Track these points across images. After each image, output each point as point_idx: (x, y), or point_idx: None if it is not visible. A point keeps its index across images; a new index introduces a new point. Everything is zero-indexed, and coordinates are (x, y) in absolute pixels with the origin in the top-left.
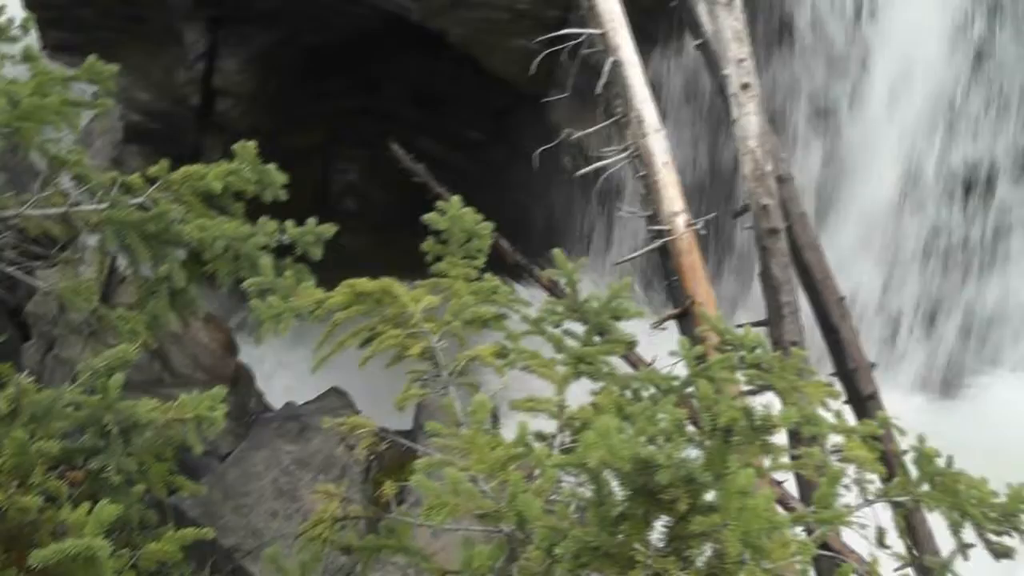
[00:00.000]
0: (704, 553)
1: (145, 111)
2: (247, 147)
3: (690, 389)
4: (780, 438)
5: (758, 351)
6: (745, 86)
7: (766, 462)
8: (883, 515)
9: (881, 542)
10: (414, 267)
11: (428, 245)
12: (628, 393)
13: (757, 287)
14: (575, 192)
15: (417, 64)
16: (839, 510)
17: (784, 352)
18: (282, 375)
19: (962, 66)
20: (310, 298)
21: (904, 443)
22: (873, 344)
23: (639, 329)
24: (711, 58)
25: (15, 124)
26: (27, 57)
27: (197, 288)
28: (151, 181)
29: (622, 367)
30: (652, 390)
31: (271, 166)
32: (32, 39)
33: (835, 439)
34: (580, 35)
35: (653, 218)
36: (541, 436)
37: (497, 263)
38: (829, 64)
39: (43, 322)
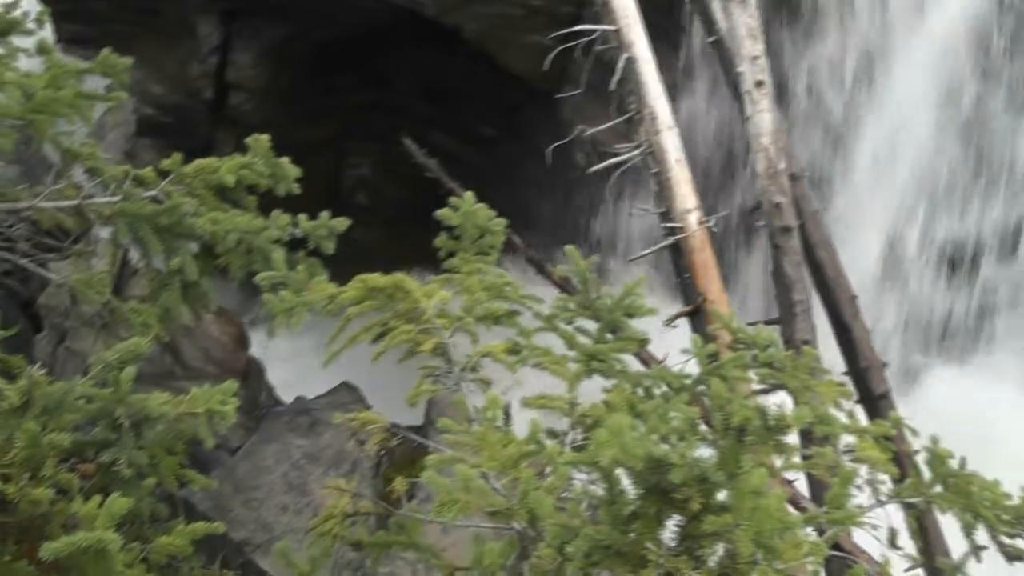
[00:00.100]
0: (716, 553)
1: (158, 104)
2: (260, 140)
3: (702, 387)
4: (792, 437)
5: (771, 350)
6: (759, 83)
7: (777, 461)
8: (894, 516)
9: (893, 543)
10: (426, 262)
11: (441, 241)
12: (640, 391)
13: None
14: (588, 188)
15: (430, 59)
16: (852, 511)
17: (796, 351)
18: (280, 367)
19: (950, 136)
20: (322, 293)
21: (916, 443)
22: None
23: (651, 326)
24: (725, 55)
25: (29, 117)
26: (41, 50)
27: (209, 281)
28: (164, 174)
29: (634, 364)
30: (664, 388)
31: (284, 159)
32: (47, 32)
33: (847, 439)
34: (594, 31)
35: (666, 215)
36: (553, 433)
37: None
38: (825, 132)
39: (55, 314)
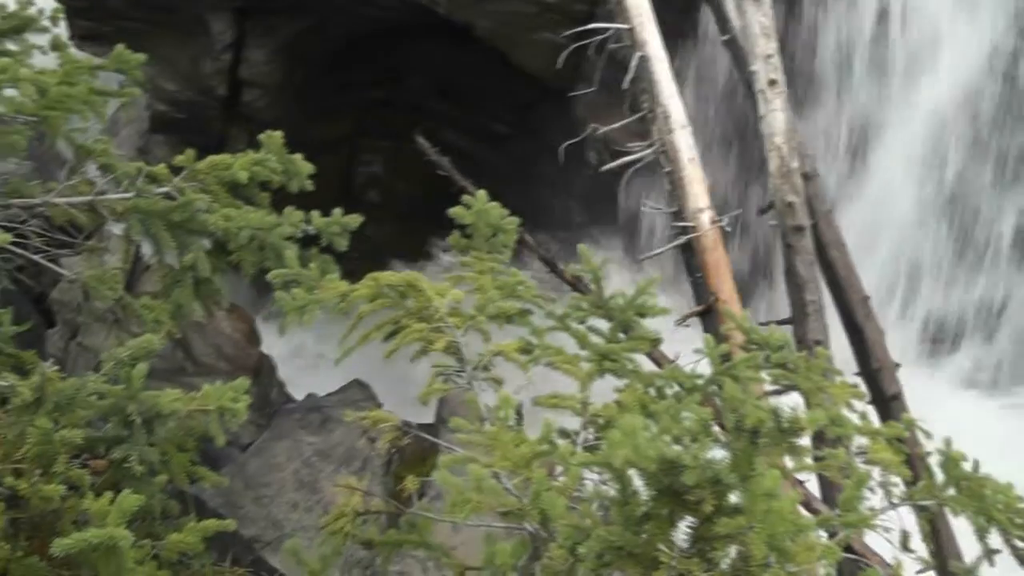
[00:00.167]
0: (729, 555)
1: (172, 101)
2: (273, 137)
3: (714, 388)
4: (804, 438)
5: (783, 350)
6: (772, 82)
7: (789, 462)
8: (906, 518)
9: (905, 546)
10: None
11: (454, 239)
12: (652, 391)
13: None
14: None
15: (443, 56)
16: (865, 514)
17: (808, 351)
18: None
19: (932, 210)
20: (335, 290)
21: (927, 446)
22: None
23: (662, 325)
24: (738, 54)
25: (43, 113)
26: (55, 47)
27: (221, 278)
28: (177, 170)
29: (645, 364)
30: (676, 388)
31: (297, 156)
32: (61, 29)
33: (860, 440)
34: (607, 30)
35: (678, 214)
36: (564, 433)
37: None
38: None
39: (67, 309)
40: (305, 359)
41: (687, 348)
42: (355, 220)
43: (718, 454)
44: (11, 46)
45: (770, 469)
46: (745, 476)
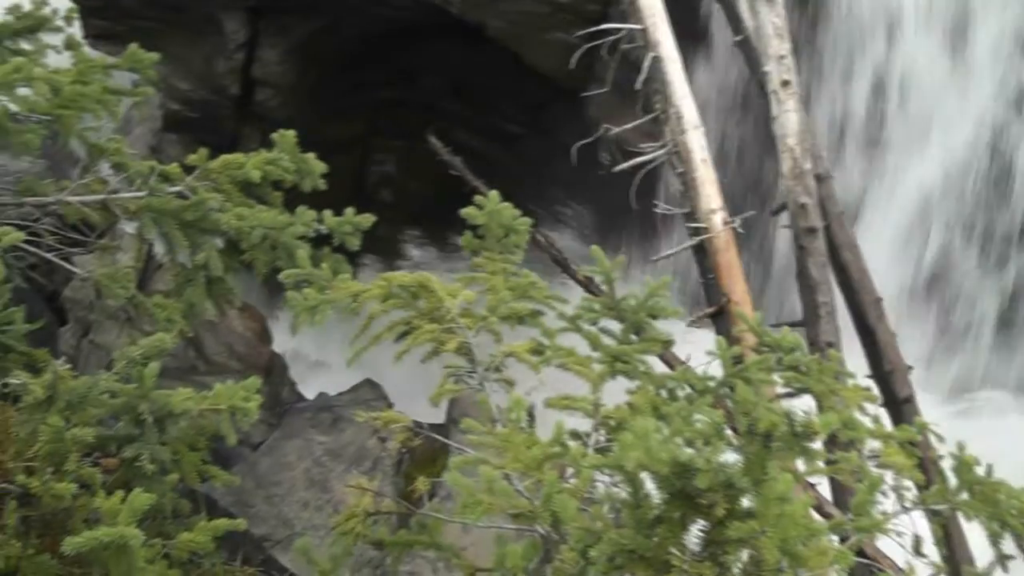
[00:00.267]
0: (741, 559)
1: (184, 100)
2: (286, 136)
3: (726, 390)
4: (817, 442)
5: (796, 353)
6: (785, 83)
7: (801, 465)
8: (919, 522)
9: (917, 550)
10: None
11: (466, 240)
12: (664, 393)
13: None
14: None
15: (456, 56)
16: (878, 518)
17: (821, 353)
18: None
19: (914, 294)
20: (346, 291)
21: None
22: None
23: (674, 327)
24: (751, 55)
25: (56, 112)
26: (69, 46)
27: (234, 277)
28: (189, 170)
29: (656, 365)
30: (688, 390)
31: (310, 155)
32: (75, 29)
33: (872, 444)
34: (620, 30)
35: (690, 215)
36: (575, 434)
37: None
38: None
39: (79, 307)
40: (305, 364)
41: (692, 348)
42: (367, 220)
43: (730, 457)
44: (25, 45)
45: (782, 473)
46: (758, 480)
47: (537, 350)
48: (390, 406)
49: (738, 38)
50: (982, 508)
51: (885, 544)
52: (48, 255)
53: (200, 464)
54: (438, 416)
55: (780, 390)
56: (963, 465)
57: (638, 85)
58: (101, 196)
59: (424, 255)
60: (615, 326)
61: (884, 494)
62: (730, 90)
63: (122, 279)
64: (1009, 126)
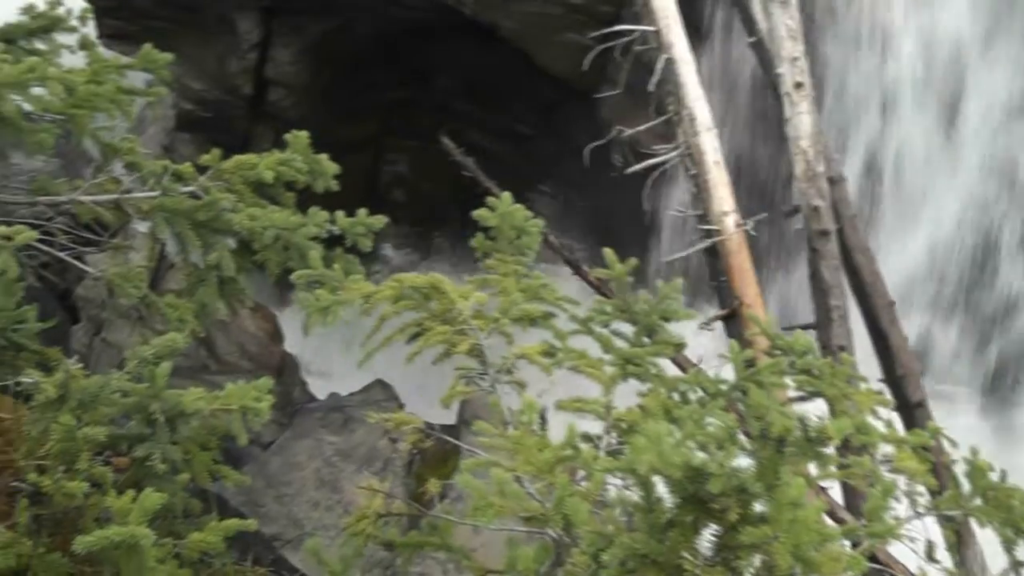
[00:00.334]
0: (753, 564)
1: (198, 100)
2: (299, 137)
3: (738, 394)
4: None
5: (808, 356)
6: (799, 85)
7: (813, 470)
8: (931, 528)
9: (930, 556)
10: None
11: (478, 241)
12: (676, 396)
13: None
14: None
15: (469, 57)
16: (891, 524)
17: (833, 357)
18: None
19: None
20: (358, 292)
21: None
22: None
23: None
24: (764, 56)
25: (70, 112)
26: (84, 46)
27: (246, 277)
28: (202, 169)
29: (667, 368)
30: (700, 393)
31: (323, 156)
32: (89, 28)
33: (885, 448)
34: (633, 32)
35: (703, 218)
36: (587, 437)
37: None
38: None
39: (92, 305)
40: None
41: (697, 348)
42: (379, 221)
43: (743, 462)
44: (40, 45)
45: (795, 478)
46: (771, 485)
47: (549, 352)
48: (401, 407)
49: (752, 39)
50: (996, 514)
51: (898, 550)
52: (61, 254)
53: (211, 464)
54: (447, 417)
55: (792, 394)
56: (976, 470)
57: (651, 87)
58: (114, 195)
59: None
60: (627, 328)
61: (897, 499)
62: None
63: (134, 278)
64: (996, 203)
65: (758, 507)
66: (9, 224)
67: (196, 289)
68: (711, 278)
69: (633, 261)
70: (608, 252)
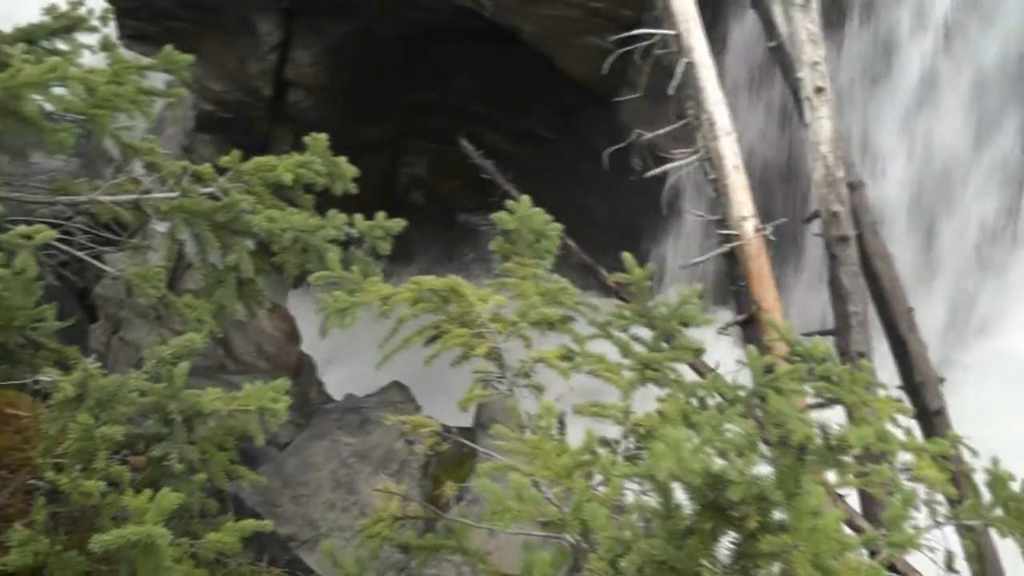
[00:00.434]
0: (772, 572)
1: (218, 101)
2: (318, 139)
3: (757, 400)
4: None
5: (827, 363)
6: (819, 90)
7: (832, 477)
8: (950, 537)
9: (950, 567)
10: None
11: (496, 244)
12: (694, 401)
13: None
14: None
15: (488, 60)
16: (911, 534)
17: (851, 363)
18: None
19: None
20: (376, 293)
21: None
22: None
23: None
24: (785, 60)
25: (91, 111)
26: (105, 46)
27: (264, 279)
28: (222, 171)
29: (684, 373)
30: (718, 399)
31: (342, 159)
32: (110, 29)
33: (904, 457)
34: (653, 35)
35: (721, 222)
36: (604, 442)
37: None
38: None
39: (110, 304)
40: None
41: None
42: (398, 224)
43: (762, 469)
44: (61, 45)
45: (815, 486)
46: (791, 493)
47: (567, 356)
48: (418, 409)
49: (772, 44)
50: (1016, 524)
51: (916, 559)
52: (80, 253)
53: (228, 464)
54: (462, 418)
55: (810, 400)
56: (997, 480)
57: (671, 91)
58: (134, 196)
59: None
60: (646, 333)
61: (916, 508)
62: None
63: (153, 278)
64: None
65: (777, 515)
66: (29, 223)
67: (214, 290)
68: (729, 283)
69: (651, 266)
70: (627, 256)
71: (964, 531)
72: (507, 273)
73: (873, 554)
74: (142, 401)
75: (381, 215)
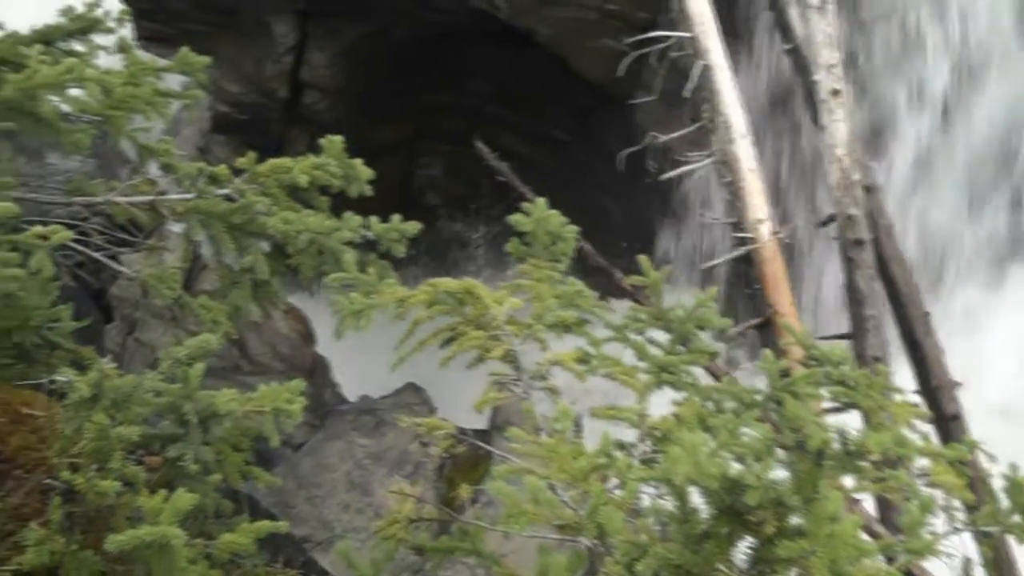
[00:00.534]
0: None
1: (234, 102)
2: (334, 141)
3: (773, 405)
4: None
5: (844, 367)
6: (835, 92)
7: (849, 482)
8: (966, 543)
9: (967, 573)
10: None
11: (512, 246)
12: (710, 405)
13: None
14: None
15: (503, 62)
16: (929, 540)
17: (867, 367)
18: None
19: None
20: (392, 296)
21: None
22: None
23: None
24: (801, 63)
25: (107, 113)
26: (121, 48)
27: (280, 280)
28: (238, 172)
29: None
30: (734, 403)
31: (357, 161)
32: (127, 31)
33: (920, 462)
34: (669, 37)
35: (737, 225)
36: (620, 445)
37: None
38: None
39: (126, 305)
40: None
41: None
42: (413, 227)
43: (779, 474)
44: (78, 47)
45: (833, 492)
46: (808, 499)
47: (583, 359)
48: (433, 411)
49: (788, 46)
50: None
51: (933, 566)
52: (96, 254)
53: (243, 465)
54: (476, 420)
55: (826, 405)
56: (1015, 486)
57: (686, 93)
58: (149, 197)
59: None
60: (662, 336)
61: (933, 514)
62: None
63: (168, 279)
64: None
65: (795, 520)
66: (45, 224)
67: (229, 291)
68: (745, 286)
69: (668, 268)
70: (643, 259)
71: (982, 537)
72: (523, 275)
73: (890, 560)
74: (157, 402)
75: (396, 218)
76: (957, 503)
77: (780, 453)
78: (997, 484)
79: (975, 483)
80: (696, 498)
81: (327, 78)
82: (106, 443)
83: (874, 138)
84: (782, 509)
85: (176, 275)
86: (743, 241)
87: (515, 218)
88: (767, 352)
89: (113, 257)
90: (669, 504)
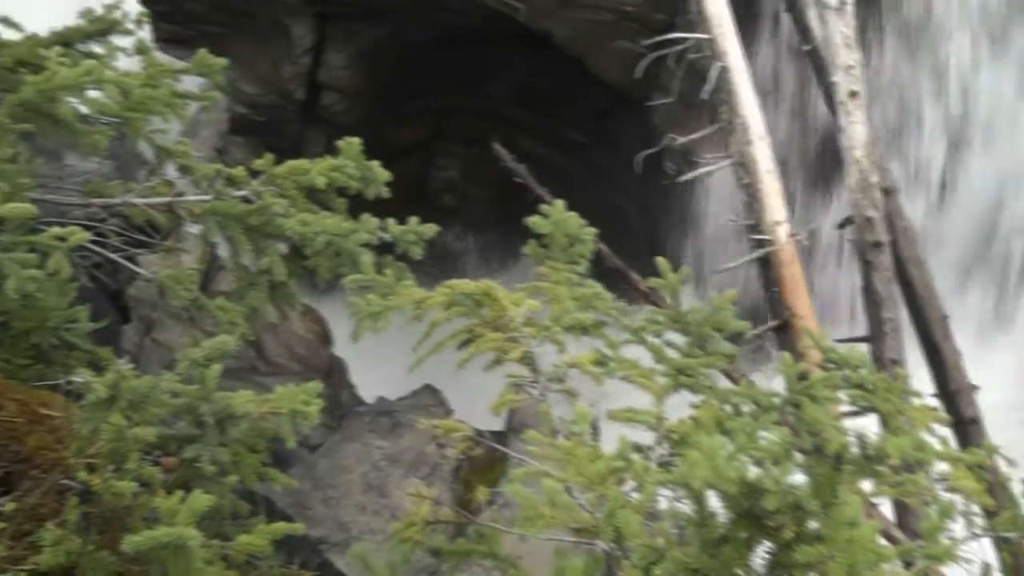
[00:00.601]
0: None
1: (251, 104)
2: (352, 143)
3: (791, 408)
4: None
5: (862, 370)
6: (853, 94)
7: (867, 486)
8: (984, 548)
9: None
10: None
11: (530, 248)
12: (728, 408)
13: None
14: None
15: (521, 63)
16: (949, 546)
17: (885, 370)
18: None
19: None
20: (409, 297)
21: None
22: None
23: None
24: (819, 64)
25: (125, 114)
26: (139, 50)
27: (297, 282)
28: (255, 174)
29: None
30: (751, 406)
31: (375, 163)
32: (145, 32)
33: (939, 466)
34: (687, 39)
35: (755, 227)
36: (637, 448)
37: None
38: None
39: (143, 305)
40: None
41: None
42: (431, 229)
43: (798, 478)
44: (96, 48)
45: (852, 496)
46: (827, 503)
47: (600, 361)
48: (449, 412)
49: (806, 47)
50: None
51: (952, 571)
52: (113, 255)
53: (259, 466)
54: (492, 422)
55: (844, 408)
56: None
57: (704, 95)
58: (167, 198)
59: None
60: (679, 339)
61: (952, 519)
62: None
63: (186, 280)
64: None
65: (813, 525)
66: (63, 225)
67: (246, 292)
68: (763, 288)
69: (685, 270)
70: (661, 261)
71: (1001, 543)
72: (541, 277)
73: (908, 565)
74: (174, 402)
75: (414, 220)
76: (976, 508)
77: (798, 457)
78: (1017, 489)
79: (994, 488)
80: (714, 502)
81: (345, 79)
82: (123, 444)
83: None
84: (800, 513)
85: (193, 276)
86: (760, 243)
87: (533, 220)
88: (786, 355)
89: (130, 258)
90: (687, 508)
